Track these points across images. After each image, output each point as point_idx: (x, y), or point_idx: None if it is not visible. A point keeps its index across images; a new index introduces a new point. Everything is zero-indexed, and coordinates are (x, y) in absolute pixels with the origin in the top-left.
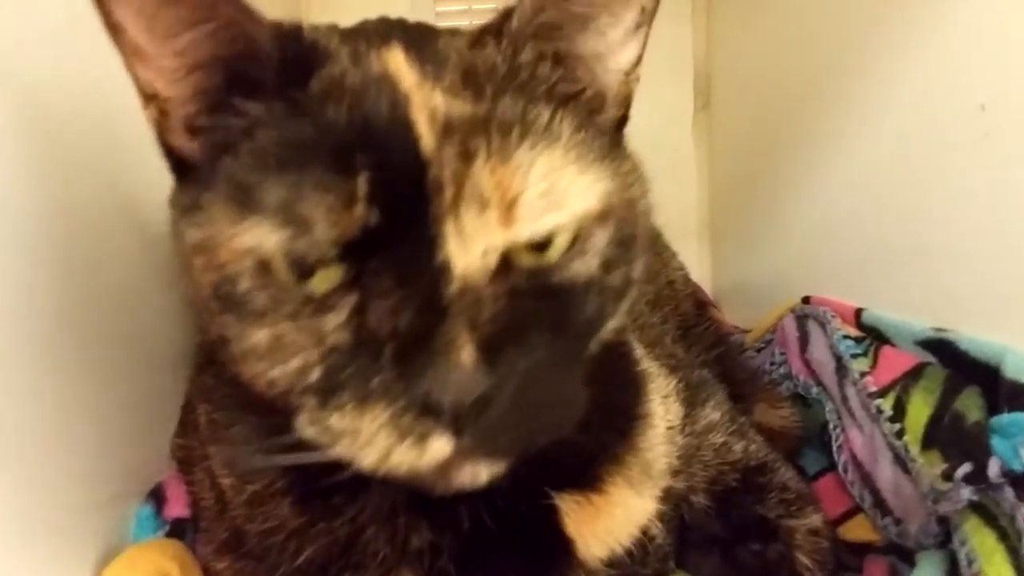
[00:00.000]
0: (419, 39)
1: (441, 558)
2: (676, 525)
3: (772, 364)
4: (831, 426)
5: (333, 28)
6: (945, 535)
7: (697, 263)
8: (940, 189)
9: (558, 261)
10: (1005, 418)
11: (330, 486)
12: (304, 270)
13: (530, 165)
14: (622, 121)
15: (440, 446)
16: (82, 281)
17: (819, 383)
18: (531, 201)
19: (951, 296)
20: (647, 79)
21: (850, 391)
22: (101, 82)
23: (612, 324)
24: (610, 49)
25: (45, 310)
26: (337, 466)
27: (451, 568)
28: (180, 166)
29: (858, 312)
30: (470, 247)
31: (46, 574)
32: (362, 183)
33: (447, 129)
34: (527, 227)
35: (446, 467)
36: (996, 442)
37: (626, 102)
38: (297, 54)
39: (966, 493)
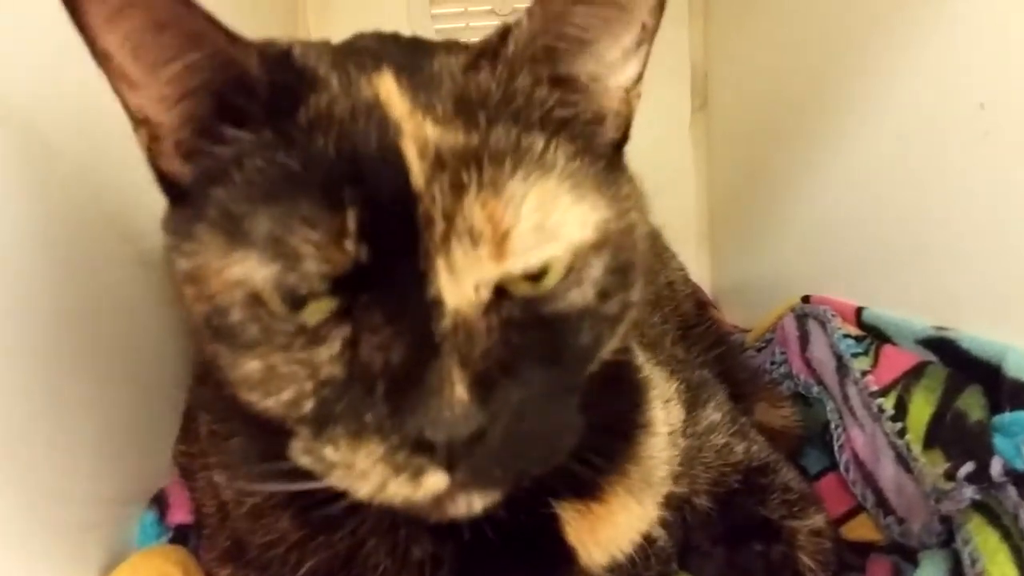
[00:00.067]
0: (412, 61)
1: (442, 569)
2: (678, 527)
3: (772, 364)
4: (832, 425)
5: (324, 47)
6: (948, 534)
7: (696, 263)
8: (940, 187)
9: (553, 291)
10: (1007, 417)
11: (329, 498)
12: (296, 301)
13: (523, 197)
14: (621, 142)
15: (435, 481)
16: (84, 287)
17: (820, 382)
18: (524, 235)
19: (952, 295)
20: (644, 79)
21: (851, 390)
22: (99, 96)
23: (609, 348)
24: (610, 69)
25: (47, 316)
26: (333, 491)
27: None
28: (173, 190)
29: (858, 311)
30: (462, 282)
31: None
32: (351, 218)
33: (438, 161)
34: (520, 261)
35: (441, 499)
36: (998, 441)
37: (626, 123)
38: (286, 81)
39: (969, 492)
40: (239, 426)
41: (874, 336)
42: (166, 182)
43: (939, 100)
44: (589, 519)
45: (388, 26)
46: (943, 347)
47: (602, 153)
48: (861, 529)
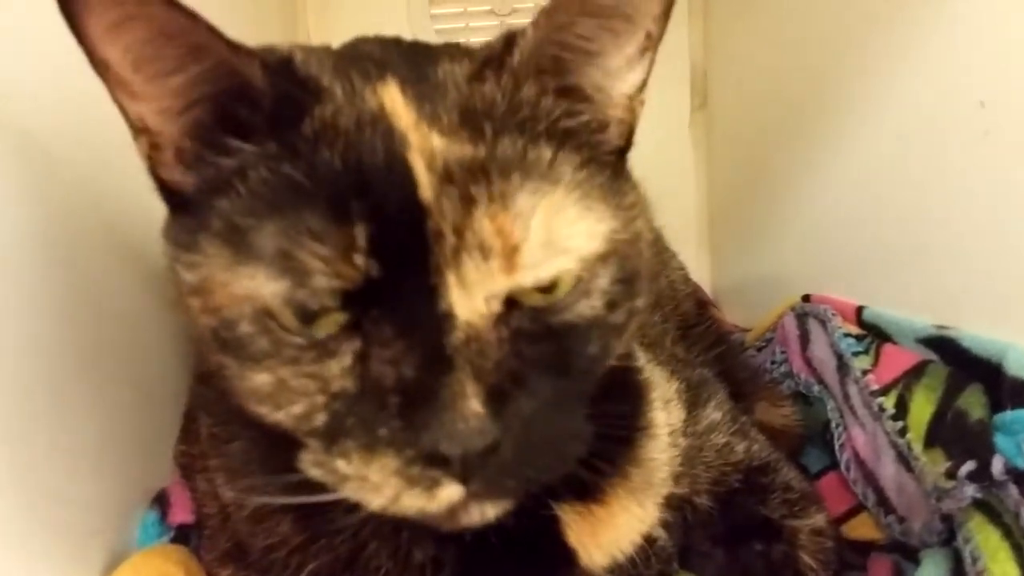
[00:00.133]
0: (416, 70)
1: (443, 572)
2: (679, 528)
3: (773, 363)
4: (833, 424)
5: (326, 53)
6: (949, 533)
7: (696, 262)
8: (940, 186)
9: (562, 302)
10: (1008, 415)
11: (341, 510)
12: (306, 316)
13: (531, 211)
14: (625, 149)
15: (450, 493)
16: (84, 289)
17: (820, 381)
18: (533, 249)
19: (952, 293)
20: None
21: (852, 389)
22: (100, 103)
23: (615, 354)
24: (615, 77)
25: (48, 317)
26: (345, 502)
27: None
28: (173, 198)
29: (859, 310)
30: (473, 295)
31: None
32: (360, 233)
33: (446, 175)
34: (530, 274)
35: (455, 509)
36: (999, 439)
37: (630, 130)
38: (289, 92)
39: (970, 491)
40: (240, 430)
41: (875, 335)
42: (167, 191)
43: (939, 99)
44: (590, 521)
45: (387, 26)
46: (944, 346)
47: (607, 161)
48: (862, 528)
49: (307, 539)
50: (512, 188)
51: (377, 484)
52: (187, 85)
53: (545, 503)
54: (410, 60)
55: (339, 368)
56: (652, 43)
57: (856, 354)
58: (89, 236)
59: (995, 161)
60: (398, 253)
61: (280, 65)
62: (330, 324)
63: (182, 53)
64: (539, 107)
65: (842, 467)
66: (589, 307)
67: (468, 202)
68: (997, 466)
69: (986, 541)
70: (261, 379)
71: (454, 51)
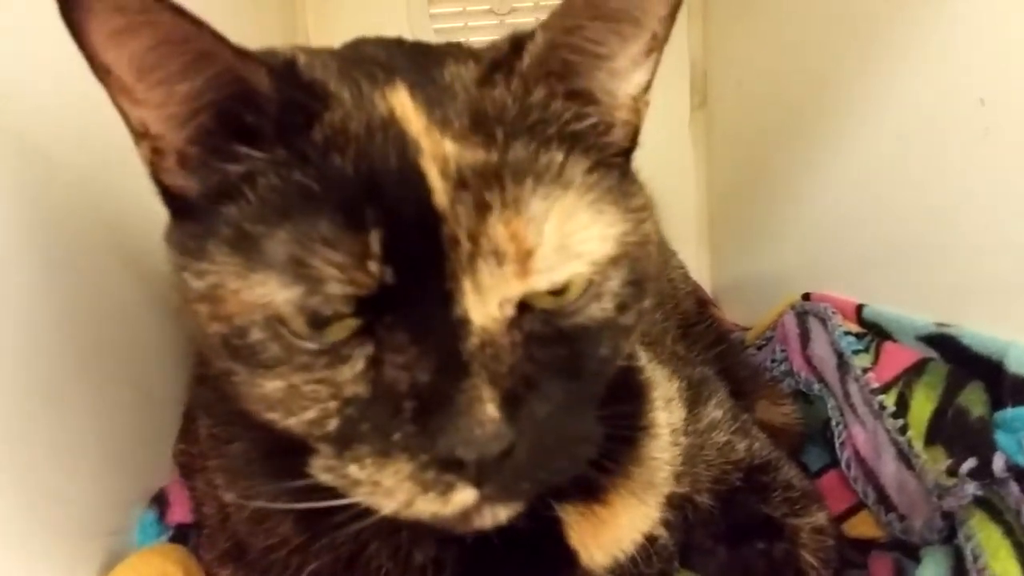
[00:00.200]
0: (423, 73)
1: (444, 572)
2: (680, 526)
3: (773, 361)
4: (833, 423)
5: (329, 55)
6: (950, 530)
7: (696, 261)
8: (940, 184)
9: (574, 305)
10: (1009, 413)
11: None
12: (319, 322)
13: (544, 216)
14: (630, 150)
15: (464, 497)
16: (84, 290)
17: (821, 380)
18: (547, 254)
19: (952, 291)
20: None
21: (852, 387)
22: (100, 106)
23: (624, 355)
24: (621, 79)
25: (48, 318)
26: (356, 507)
27: None
28: (176, 203)
29: (859, 308)
30: (488, 301)
31: None
32: (375, 240)
33: (460, 181)
34: (544, 279)
35: (468, 512)
36: (1000, 437)
37: (635, 131)
38: (295, 98)
39: (971, 488)
40: (240, 432)
41: (875, 333)
42: (169, 195)
43: (939, 99)
44: (592, 521)
45: (387, 26)
46: (944, 343)
47: (614, 163)
48: (863, 526)
49: (307, 539)
50: (525, 193)
51: (390, 489)
52: (192, 92)
53: (547, 504)
54: (415, 62)
55: (351, 373)
56: (658, 44)
57: (856, 352)
58: (89, 237)
59: (995, 160)
60: (412, 259)
61: (284, 70)
62: (342, 329)
63: (187, 61)
64: (549, 111)
65: (843, 465)
66: (600, 310)
67: (482, 208)
68: (998, 463)
69: (987, 539)
70: (272, 386)
71: (457, 52)
